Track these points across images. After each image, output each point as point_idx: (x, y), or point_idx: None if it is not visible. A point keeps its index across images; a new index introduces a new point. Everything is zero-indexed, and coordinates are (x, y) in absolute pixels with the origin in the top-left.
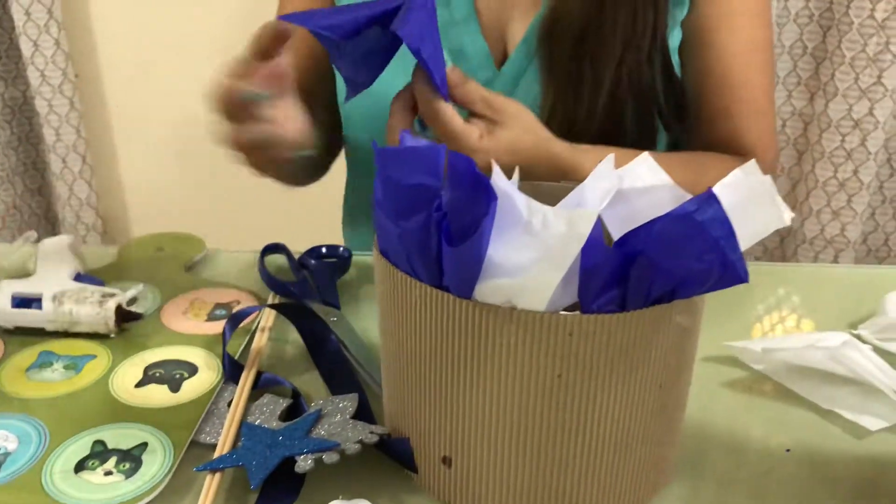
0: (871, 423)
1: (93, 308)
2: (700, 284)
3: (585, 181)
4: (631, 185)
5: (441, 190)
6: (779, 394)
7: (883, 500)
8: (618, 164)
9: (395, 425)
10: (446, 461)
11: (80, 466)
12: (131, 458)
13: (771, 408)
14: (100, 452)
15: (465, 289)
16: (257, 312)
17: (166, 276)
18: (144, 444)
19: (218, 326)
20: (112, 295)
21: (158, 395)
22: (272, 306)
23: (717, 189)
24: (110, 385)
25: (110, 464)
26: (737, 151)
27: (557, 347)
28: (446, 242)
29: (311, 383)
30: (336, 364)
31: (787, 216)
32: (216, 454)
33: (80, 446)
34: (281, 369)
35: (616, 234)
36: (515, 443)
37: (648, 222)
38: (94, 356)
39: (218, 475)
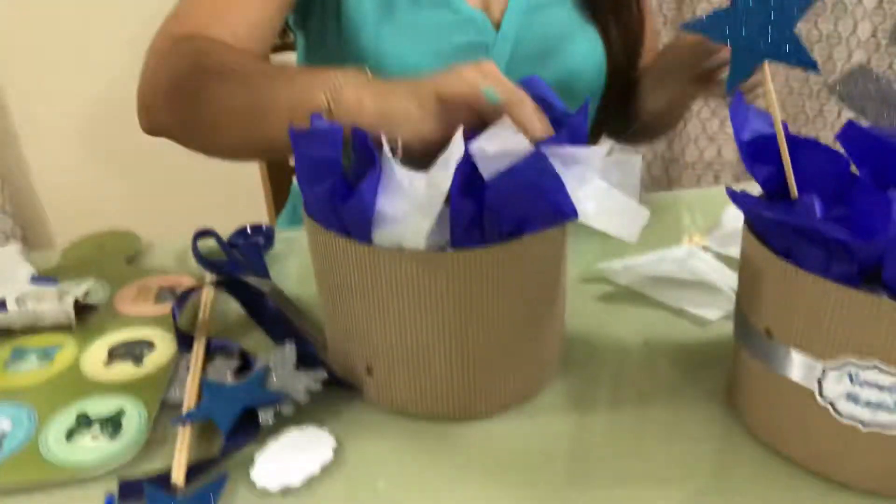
0: (711, 313)
1: (53, 305)
2: (540, 223)
3: (450, 145)
4: (491, 146)
5: (340, 160)
6: (638, 300)
7: (717, 368)
8: None
9: (333, 346)
10: (369, 370)
11: (69, 436)
12: (113, 423)
13: (632, 312)
14: (85, 422)
15: (364, 236)
16: (200, 291)
17: (111, 270)
18: (122, 411)
19: (166, 307)
20: (67, 292)
21: (125, 369)
22: (212, 283)
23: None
24: (81, 367)
25: (95, 430)
26: None
27: (437, 276)
28: (341, 200)
29: (255, 343)
30: (276, 321)
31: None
32: (184, 410)
33: (66, 420)
34: (227, 335)
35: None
36: (415, 351)
37: (494, 177)
38: (62, 346)
39: (189, 427)
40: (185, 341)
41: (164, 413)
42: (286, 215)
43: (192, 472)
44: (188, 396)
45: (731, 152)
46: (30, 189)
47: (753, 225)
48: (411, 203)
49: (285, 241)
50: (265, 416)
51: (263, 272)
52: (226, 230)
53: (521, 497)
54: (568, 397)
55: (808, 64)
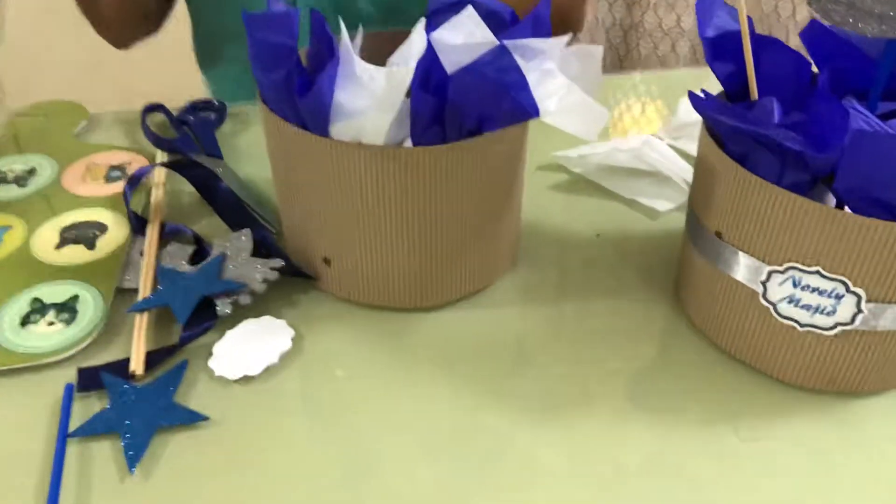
0: (663, 205)
1: None
2: (500, 120)
3: (412, 37)
4: (454, 38)
5: (295, 48)
6: (592, 190)
7: (666, 260)
8: None
9: (289, 236)
10: (326, 261)
11: (24, 321)
12: (68, 309)
13: (585, 202)
14: (39, 308)
15: (321, 128)
16: (151, 171)
17: (58, 145)
18: (76, 296)
19: (117, 187)
20: None
21: (77, 253)
22: (163, 164)
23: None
24: (32, 250)
25: (51, 316)
26: None
27: (396, 172)
28: (298, 93)
29: (209, 228)
30: (231, 206)
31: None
32: (140, 297)
33: (20, 305)
34: (181, 218)
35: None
36: (373, 244)
37: (455, 72)
38: (10, 227)
39: (146, 314)
40: (138, 224)
41: (119, 300)
42: None
43: (151, 360)
44: (143, 283)
45: (689, 21)
46: None
47: (711, 128)
48: (371, 97)
49: (237, 116)
50: (222, 307)
51: (216, 151)
52: (174, 105)
53: (471, 385)
54: (520, 289)
55: None
